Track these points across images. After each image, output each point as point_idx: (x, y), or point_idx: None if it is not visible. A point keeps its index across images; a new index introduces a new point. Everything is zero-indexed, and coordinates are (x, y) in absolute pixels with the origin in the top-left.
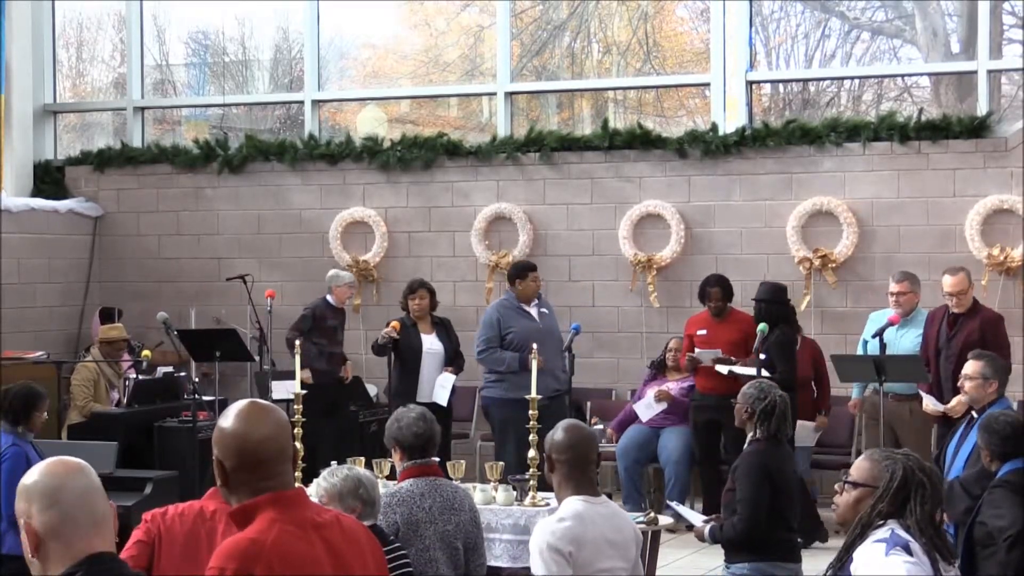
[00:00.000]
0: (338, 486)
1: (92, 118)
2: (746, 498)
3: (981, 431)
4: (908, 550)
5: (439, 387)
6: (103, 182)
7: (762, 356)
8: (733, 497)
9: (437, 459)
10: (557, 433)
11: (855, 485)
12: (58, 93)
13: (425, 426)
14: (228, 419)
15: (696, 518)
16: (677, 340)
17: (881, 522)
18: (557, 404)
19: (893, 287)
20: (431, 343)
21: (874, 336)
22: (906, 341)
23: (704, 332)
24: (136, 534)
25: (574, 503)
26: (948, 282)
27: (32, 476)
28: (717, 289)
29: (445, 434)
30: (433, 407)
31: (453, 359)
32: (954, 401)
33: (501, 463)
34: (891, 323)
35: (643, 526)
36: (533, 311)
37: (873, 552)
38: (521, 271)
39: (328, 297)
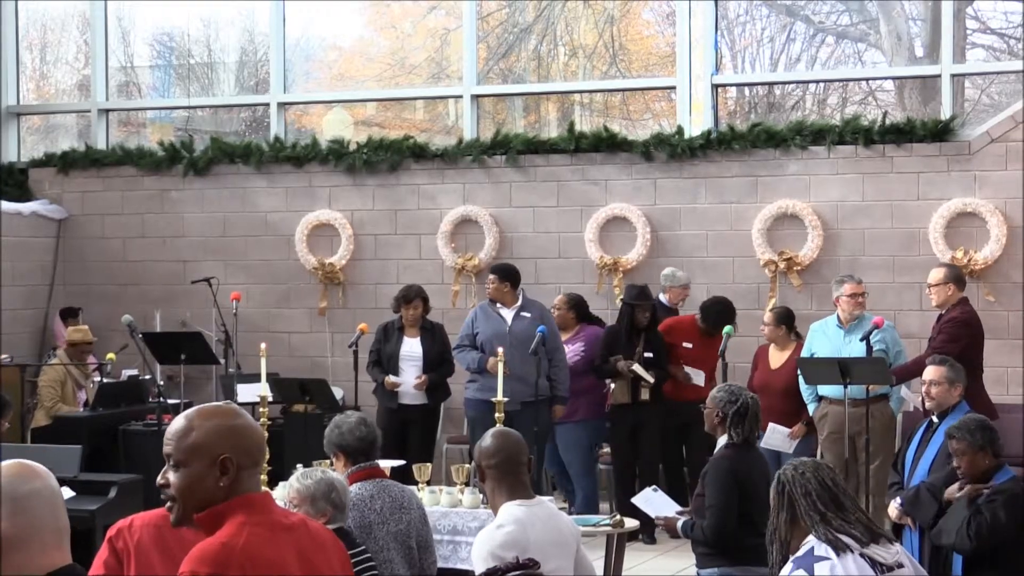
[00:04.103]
0: (312, 488)
1: (56, 120)
2: (714, 504)
3: (970, 432)
4: (812, 568)
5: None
6: (67, 184)
7: (648, 355)
8: (703, 503)
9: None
10: (485, 440)
11: None
12: (22, 95)
13: (367, 430)
14: None
15: (669, 508)
16: (561, 297)
17: (803, 541)
18: (533, 412)
19: (856, 288)
20: (410, 347)
21: (862, 339)
22: (855, 346)
23: (690, 345)
24: (103, 554)
25: (512, 509)
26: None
27: None
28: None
29: (428, 438)
30: (419, 410)
31: (437, 364)
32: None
33: (467, 466)
34: (876, 326)
35: (609, 528)
36: (508, 314)
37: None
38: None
39: (662, 297)
